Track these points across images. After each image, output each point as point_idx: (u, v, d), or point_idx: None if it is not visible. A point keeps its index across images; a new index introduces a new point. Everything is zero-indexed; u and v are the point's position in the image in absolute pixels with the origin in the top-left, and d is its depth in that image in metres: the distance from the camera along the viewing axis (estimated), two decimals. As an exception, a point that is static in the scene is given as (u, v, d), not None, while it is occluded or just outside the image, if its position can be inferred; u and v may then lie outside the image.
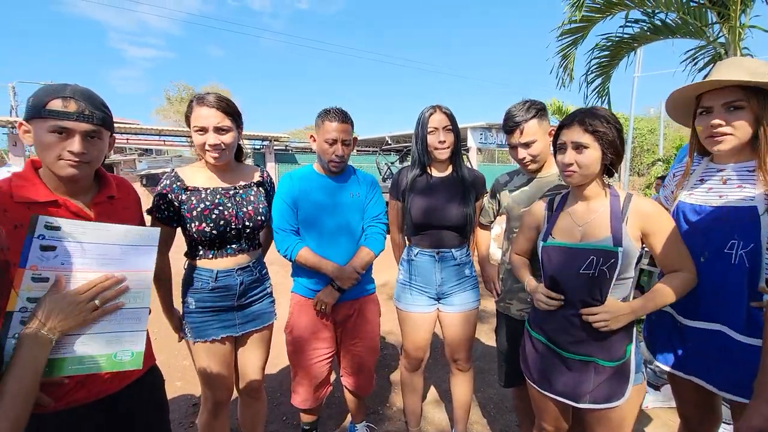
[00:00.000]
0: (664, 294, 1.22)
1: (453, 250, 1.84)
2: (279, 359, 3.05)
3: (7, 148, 12.93)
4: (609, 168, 1.29)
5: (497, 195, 1.88)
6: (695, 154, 1.36)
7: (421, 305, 1.90)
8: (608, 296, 1.23)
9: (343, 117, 1.74)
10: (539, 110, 1.64)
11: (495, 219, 1.99)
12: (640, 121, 25.42)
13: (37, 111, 1.04)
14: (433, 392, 2.67)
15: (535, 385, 1.39)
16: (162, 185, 1.51)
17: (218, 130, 1.48)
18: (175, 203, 1.49)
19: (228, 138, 1.50)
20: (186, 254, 1.62)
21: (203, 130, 1.47)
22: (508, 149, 1.78)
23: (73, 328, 0.87)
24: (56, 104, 1.03)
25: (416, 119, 1.84)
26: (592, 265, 1.21)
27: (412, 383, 2.05)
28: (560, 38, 4.27)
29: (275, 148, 16.32)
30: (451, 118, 1.81)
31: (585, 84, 4.63)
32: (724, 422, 1.75)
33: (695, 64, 4.13)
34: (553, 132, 1.47)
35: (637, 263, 1.33)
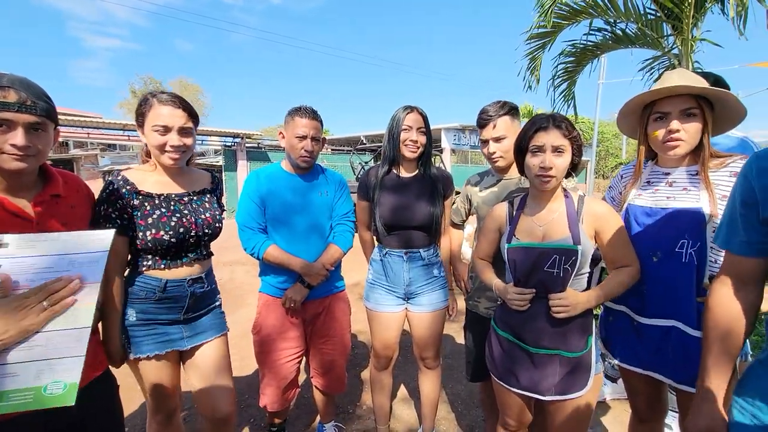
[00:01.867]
0: (614, 286, 1.31)
1: (421, 250, 1.86)
2: (246, 360, 3.00)
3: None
4: (569, 171, 1.35)
5: (468, 195, 1.92)
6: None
7: (389, 305, 1.91)
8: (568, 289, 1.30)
9: (313, 114, 1.76)
10: (512, 109, 1.70)
11: (467, 218, 2.03)
12: (605, 125, 26.56)
13: None
14: (402, 390, 2.70)
15: (500, 381, 1.44)
16: (107, 190, 1.35)
17: (182, 131, 1.40)
18: (128, 209, 1.36)
19: (190, 141, 1.44)
20: (127, 265, 1.46)
21: (166, 129, 1.37)
22: (480, 149, 1.82)
23: (13, 338, 0.78)
24: None
25: (390, 117, 1.85)
26: (555, 263, 1.27)
27: (381, 382, 2.07)
28: (528, 42, 4.41)
29: (247, 145, 15.94)
30: (425, 120, 1.83)
31: (552, 88, 4.80)
32: (671, 410, 1.86)
33: (651, 73, 4.38)
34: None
35: (599, 263, 1.40)
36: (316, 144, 1.78)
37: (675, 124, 1.26)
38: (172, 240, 1.40)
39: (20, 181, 1.08)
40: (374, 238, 2.01)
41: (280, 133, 1.83)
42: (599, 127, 17.97)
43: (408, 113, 1.81)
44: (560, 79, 4.73)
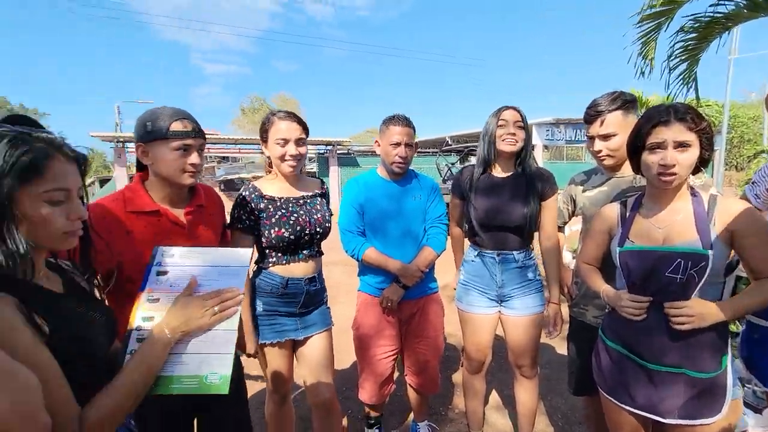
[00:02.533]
0: (755, 298, 1.11)
1: (514, 252, 1.80)
2: (345, 355, 3.18)
3: (113, 160, 14.90)
4: (697, 167, 1.19)
5: (573, 195, 1.81)
6: None
7: (481, 306, 1.89)
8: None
9: (406, 121, 1.85)
10: (627, 102, 1.54)
11: (569, 220, 1.91)
12: (739, 107, 22.37)
13: (161, 133, 1.23)
14: (495, 397, 2.61)
15: (611, 398, 1.32)
16: (240, 197, 1.61)
17: (298, 141, 1.60)
18: (255, 212, 1.59)
19: (304, 149, 1.64)
20: (256, 261, 1.70)
21: (285, 141, 1.58)
22: (581, 144, 1.70)
23: (193, 329, 0.92)
24: (177, 126, 1.24)
25: (486, 119, 1.83)
26: (679, 268, 1.13)
27: (474, 386, 2.04)
28: (639, 24, 3.92)
29: (338, 152, 16.90)
30: (523, 117, 1.78)
31: (667, 71, 4.20)
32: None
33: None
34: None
35: (733, 270, 1.21)
36: (410, 150, 1.85)
37: None
38: (291, 237, 1.61)
39: (181, 194, 1.35)
40: (466, 237, 2.01)
41: (376, 141, 1.94)
42: (731, 110, 15.21)
43: (504, 110, 1.78)
44: (678, 60, 4.10)
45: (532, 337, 1.85)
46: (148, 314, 0.95)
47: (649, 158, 1.17)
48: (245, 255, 1.06)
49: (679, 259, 1.13)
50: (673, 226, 1.19)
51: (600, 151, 1.57)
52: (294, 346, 1.76)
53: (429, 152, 18.36)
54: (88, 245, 0.90)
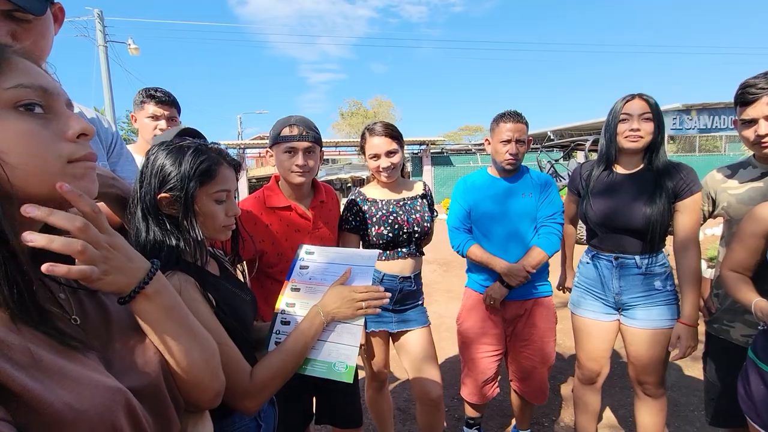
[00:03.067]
0: None
1: (636, 256, 1.61)
2: (440, 353, 3.20)
3: (235, 164, 17.15)
4: None
5: (713, 192, 1.57)
6: None
7: (596, 312, 1.74)
8: None
9: (517, 117, 1.81)
10: None
11: (704, 222, 1.66)
12: None
13: (275, 139, 1.49)
14: (610, 415, 2.37)
15: (763, 430, 1.12)
16: (348, 201, 1.77)
17: (388, 153, 1.69)
18: (360, 214, 1.73)
19: (396, 158, 1.71)
20: None
21: (377, 156, 1.69)
22: (720, 133, 1.46)
23: (340, 317, 1.01)
24: (285, 131, 1.46)
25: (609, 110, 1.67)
26: None
27: (586, 399, 1.88)
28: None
29: (431, 151, 16.93)
30: (652, 106, 1.58)
31: None
32: None
33: None
34: None
35: None
36: (522, 146, 1.82)
37: None
38: (389, 234, 1.71)
39: (302, 191, 1.56)
40: (581, 238, 1.88)
41: (486, 140, 1.94)
42: None
43: (627, 101, 1.60)
44: None
45: (656, 354, 1.64)
46: (290, 300, 1.11)
47: None
48: (372, 256, 1.15)
49: None
50: None
51: (765, 135, 1.33)
52: (391, 339, 1.86)
53: (530, 148, 17.31)
54: (237, 237, 1.08)
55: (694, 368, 2.76)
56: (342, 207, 1.77)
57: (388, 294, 1.08)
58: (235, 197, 1.00)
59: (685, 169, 1.60)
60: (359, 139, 1.80)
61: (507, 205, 1.86)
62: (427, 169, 16.51)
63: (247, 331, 0.96)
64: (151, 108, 1.92)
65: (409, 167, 16.73)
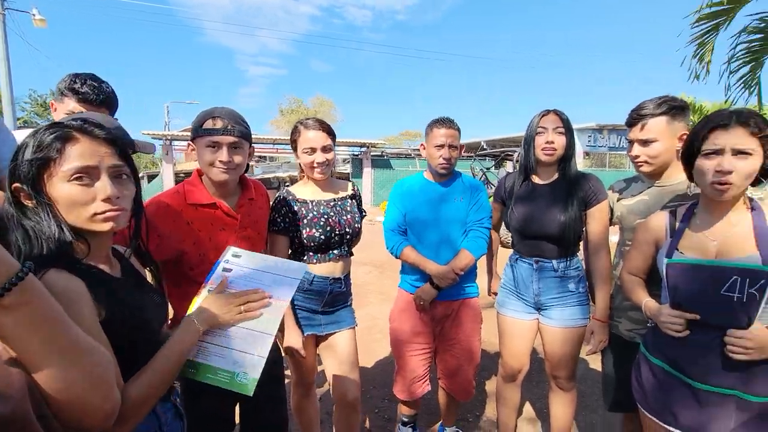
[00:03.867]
0: None
1: (553, 260, 1.74)
2: (372, 355, 3.21)
3: (161, 157, 15.80)
4: (759, 178, 1.11)
5: (610, 203, 1.74)
6: None
7: (518, 311, 1.86)
8: (755, 323, 1.06)
9: (450, 123, 1.86)
10: (673, 108, 1.46)
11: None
12: (806, 115, 20.55)
13: (196, 131, 1.35)
14: (529, 408, 2.54)
15: (653, 417, 1.25)
16: (276, 201, 1.69)
17: (324, 149, 1.65)
18: (290, 214, 1.67)
19: (331, 155, 1.68)
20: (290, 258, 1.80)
21: (312, 150, 1.63)
22: (625, 152, 1.63)
23: (218, 323, 0.98)
24: (208, 124, 1.33)
25: (527, 124, 1.80)
26: (736, 286, 1.06)
27: (508, 394, 1.99)
28: (696, 24, 3.69)
29: (372, 154, 17.04)
30: (565, 121, 1.72)
31: (726, 74, 3.92)
32: None
33: None
34: (685, 135, 1.31)
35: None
36: (454, 151, 1.87)
37: None
38: (321, 237, 1.67)
39: (227, 188, 1.43)
40: (507, 242, 2.00)
41: (422, 145, 1.98)
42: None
43: (543, 116, 1.73)
44: (740, 62, 3.83)
45: (569, 350, 1.78)
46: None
47: (705, 164, 1.11)
48: (301, 269, 1.11)
49: (735, 276, 1.06)
50: (729, 239, 1.12)
51: (638, 157, 1.51)
52: (317, 341, 1.81)
53: (464, 157, 18.15)
54: (139, 232, 0.95)
55: (597, 362, 3.05)
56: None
57: (268, 295, 1.04)
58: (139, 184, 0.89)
59: (593, 179, 1.75)
60: (290, 135, 1.74)
61: (440, 209, 1.92)
62: (367, 172, 16.58)
63: (148, 339, 0.86)
64: (71, 104, 1.56)
65: (349, 169, 16.69)
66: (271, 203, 1.69)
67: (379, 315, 4.07)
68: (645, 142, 1.49)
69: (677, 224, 1.25)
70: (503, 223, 1.96)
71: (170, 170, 14.55)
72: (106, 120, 1.06)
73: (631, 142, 1.55)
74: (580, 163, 16.06)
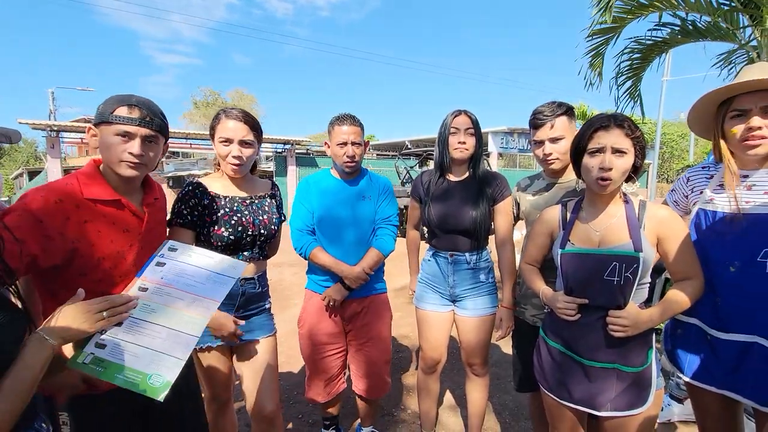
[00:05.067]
0: (679, 302, 1.22)
1: (466, 254, 1.84)
2: (294, 359, 3.10)
3: (45, 150, 13.62)
4: (630, 175, 1.27)
5: (517, 199, 1.87)
6: (712, 159, 1.34)
7: (435, 304, 1.92)
8: (630, 302, 1.22)
9: (352, 120, 1.83)
10: (569, 109, 1.64)
11: (516, 223, 1.98)
12: (669, 125, 24.63)
13: (105, 117, 1.14)
14: (449, 397, 2.66)
15: (551, 394, 1.38)
16: (184, 191, 1.54)
17: (243, 143, 1.52)
18: (199, 207, 1.52)
19: (249, 152, 1.55)
20: None
21: (228, 141, 1.51)
22: (532, 151, 1.76)
23: (75, 337, 0.89)
24: (122, 111, 1.14)
25: (441, 123, 1.86)
26: (615, 271, 1.20)
27: (428, 386, 2.05)
28: (590, 38, 4.19)
29: (296, 151, 16.56)
30: (474, 122, 1.81)
31: (615, 87, 4.53)
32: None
33: (731, 69, 3.99)
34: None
35: (662, 273, 1.30)
36: (358, 148, 1.84)
37: (756, 120, 1.15)
38: (230, 237, 1.53)
39: (132, 185, 1.25)
40: (424, 238, 2.03)
41: (325, 143, 1.93)
42: (663, 128, 16.68)
43: (456, 116, 1.81)
44: (624, 77, 4.45)
45: (483, 337, 1.89)
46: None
47: (590, 162, 1.24)
48: (239, 269, 1.04)
49: (615, 263, 1.21)
50: (609, 229, 1.27)
51: (550, 154, 1.64)
52: (233, 352, 1.68)
53: (389, 155, 18.50)
54: None
55: (509, 346, 3.32)
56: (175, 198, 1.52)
57: (135, 298, 0.97)
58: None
59: (498, 177, 1.89)
60: (211, 122, 1.58)
61: (348, 207, 1.90)
62: (292, 170, 16.07)
63: None
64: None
65: (272, 166, 16.02)
66: (176, 196, 1.52)
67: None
68: (555, 140, 1.62)
69: (568, 217, 1.38)
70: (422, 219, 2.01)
71: (57, 166, 12.59)
72: None
73: (538, 143, 1.66)
74: (495, 163, 17.35)
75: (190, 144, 16.26)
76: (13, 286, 0.89)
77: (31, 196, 1.05)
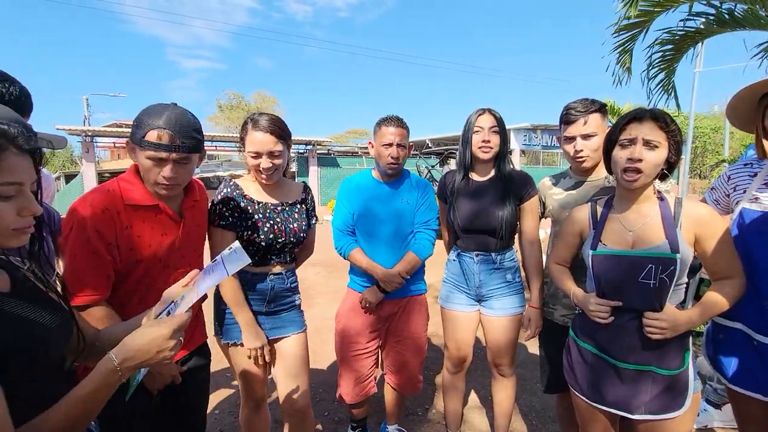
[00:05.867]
0: (718, 302, 1.17)
1: (493, 253, 1.82)
2: (322, 357, 3.15)
3: (80, 155, 14.28)
4: (664, 172, 1.23)
5: (542, 197, 1.84)
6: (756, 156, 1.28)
7: (461, 304, 1.91)
8: (666, 304, 1.18)
9: (398, 122, 1.85)
10: (602, 106, 1.61)
11: (539, 222, 1.95)
12: (702, 119, 23.53)
13: (137, 141, 1.18)
14: (474, 397, 2.64)
15: (583, 397, 1.35)
16: (223, 193, 1.57)
17: (271, 154, 1.52)
18: (238, 209, 1.55)
19: (279, 161, 1.55)
20: None
21: (257, 155, 1.51)
22: (561, 146, 1.72)
23: (144, 365, 0.81)
24: (152, 136, 1.16)
25: (464, 122, 1.84)
26: (651, 273, 1.16)
27: (454, 385, 2.05)
28: (617, 34, 4.06)
29: (318, 152, 16.75)
30: (499, 121, 1.79)
31: (647, 80, 4.36)
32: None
33: (775, 57, 3.76)
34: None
35: (698, 271, 1.26)
36: (402, 150, 1.86)
37: None
38: (262, 243, 1.57)
39: (170, 196, 1.29)
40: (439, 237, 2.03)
41: (370, 142, 1.95)
42: (695, 122, 15.96)
43: (480, 115, 1.79)
44: (657, 69, 4.26)
45: (509, 338, 1.87)
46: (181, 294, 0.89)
47: (619, 154, 1.21)
48: (241, 262, 0.93)
49: (650, 265, 1.16)
50: (643, 229, 1.23)
51: (581, 151, 1.60)
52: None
53: (409, 155, 18.44)
54: (41, 243, 0.84)
55: (535, 347, 3.26)
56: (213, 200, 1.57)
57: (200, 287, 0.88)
58: (40, 194, 0.78)
59: (524, 176, 1.86)
60: (240, 130, 1.61)
61: (387, 209, 1.91)
62: (313, 170, 16.27)
63: (37, 359, 0.74)
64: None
65: (294, 167, 16.26)
66: (215, 198, 1.57)
67: (328, 316, 4.01)
68: (587, 137, 1.58)
69: (599, 216, 1.35)
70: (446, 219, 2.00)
71: (92, 170, 13.16)
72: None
73: (569, 139, 1.63)
74: (517, 161, 17.04)
75: (216, 146, 16.68)
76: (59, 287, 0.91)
77: (77, 206, 1.14)
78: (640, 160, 1.15)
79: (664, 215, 1.21)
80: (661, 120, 1.17)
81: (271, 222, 1.59)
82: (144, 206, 1.22)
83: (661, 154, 1.17)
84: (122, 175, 1.28)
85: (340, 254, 1.93)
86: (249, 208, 1.57)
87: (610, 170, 1.31)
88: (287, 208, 1.66)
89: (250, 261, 0.93)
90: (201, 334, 1.51)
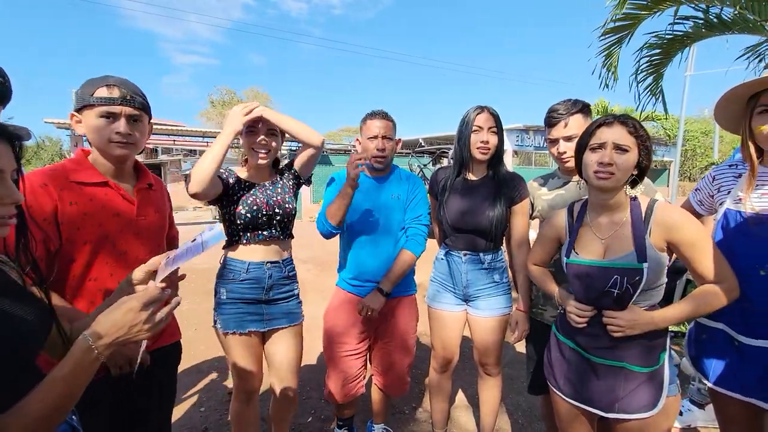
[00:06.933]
0: (698, 306, 1.16)
1: (481, 253, 1.81)
2: (308, 354, 3.13)
3: (69, 149, 14.04)
4: (635, 178, 1.23)
5: (531, 199, 1.84)
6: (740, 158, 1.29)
7: (448, 303, 1.90)
8: (632, 304, 1.19)
9: (384, 115, 1.86)
10: (585, 107, 1.62)
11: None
12: (692, 122, 23.85)
13: (86, 100, 1.18)
14: (461, 396, 2.64)
15: (560, 393, 1.35)
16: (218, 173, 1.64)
17: (269, 132, 1.66)
18: (228, 182, 1.64)
19: (275, 142, 1.69)
20: (224, 247, 1.71)
21: (254, 129, 1.63)
22: (547, 149, 1.72)
23: (121, 343, 0.80)
24: (102, 92, 1.18)
25: (460, 119, 1.81)
26: (617, 283, 1.18)
27: (440, 385, 2.04)
28: (603, 37, 4.08)
29: (311, 149, 16.67)
30: (497, 119, 1.77)
31: (635, 83, 4.39)
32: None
33: (760, 60, 3.81)
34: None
35: (684, 272, 1.26)
36: (388, 142, 1.85)
37: None
38: (247, 215, 1.62)
39: (123, 168, 1.28)
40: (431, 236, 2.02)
41: (357, 139, 1.94)
42: (685, 125, 16.16)
43: (478, 113, 1.76)
44: (645, 74, 4.29)
45: (496, 338, 1.87)
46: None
47: (590, 157, 1.21)
48: (217, 237, 0.95)
49: (616, 276, 1.17)
50: (614, 238, 1.23)
51: (565, 152, 1.61)
52: (263, 339, 1.73)
53: (402, 153, 18.44)
54: (24, 233, 0.81)
55: (522, 347, 3.27)
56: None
57: (177, 299, 0.86)
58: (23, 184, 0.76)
59: (517, 177, 1.85)
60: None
61: (377, 202, 1.89)
62: (306, 167, 16.21)
63: (18, 360, 0.72)
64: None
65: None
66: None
67: (317, 314, 3.92)
68: (569, 138, 1.59)
69: (574, 223, 1.35)
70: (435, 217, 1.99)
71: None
72: None
73: (553, 141, 1.64)
74: (510, 161, 17.12)
75: (207, 142, 16.52)
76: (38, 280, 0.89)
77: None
78: (611, 164, 1.16)
79: (634, 222, 1.20)
80: (630, 125, 1.18)
81: (254, 196, 1.66)
82: (91, 183, 1.20)
83: (631, 157, 1.18)
84: (69, 158, 1.27)
85: (323, 232, 1.87)
86: (237, 185, 1.66)
87: (581, 173, 1.30)
88: (270, 186, 1.73)
89: (225, 238, 0.97)
90: (169, 335, 1.45)
